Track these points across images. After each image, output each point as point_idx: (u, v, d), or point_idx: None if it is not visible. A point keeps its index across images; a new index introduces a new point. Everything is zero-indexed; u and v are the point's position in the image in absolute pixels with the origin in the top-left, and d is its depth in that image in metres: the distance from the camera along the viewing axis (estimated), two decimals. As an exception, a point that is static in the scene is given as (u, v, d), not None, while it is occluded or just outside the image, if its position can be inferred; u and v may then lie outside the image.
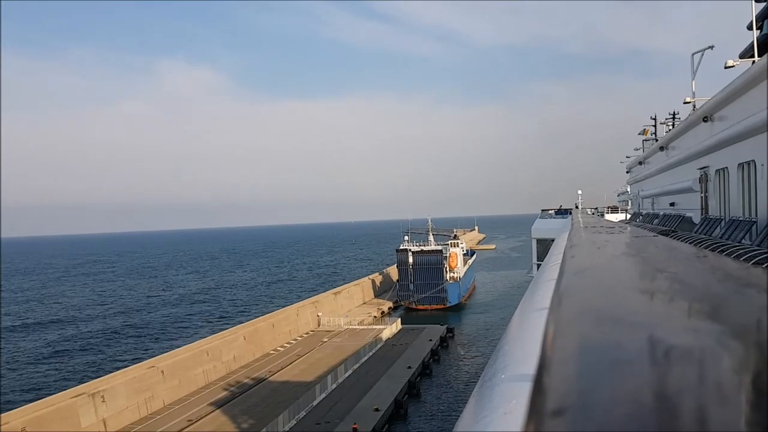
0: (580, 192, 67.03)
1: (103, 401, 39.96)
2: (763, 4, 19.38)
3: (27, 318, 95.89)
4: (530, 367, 2.22)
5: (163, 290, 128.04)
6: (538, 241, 44.91)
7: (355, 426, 38.66)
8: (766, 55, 12.54)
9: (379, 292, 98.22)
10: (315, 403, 43.46)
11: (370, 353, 57.66)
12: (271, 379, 51.44)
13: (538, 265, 35.79)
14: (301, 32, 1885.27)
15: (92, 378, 47.36)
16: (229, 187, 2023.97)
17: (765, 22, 19.42)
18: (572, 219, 30.96)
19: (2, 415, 35.79)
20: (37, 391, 51.61)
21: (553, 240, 20.75)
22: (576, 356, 2.14)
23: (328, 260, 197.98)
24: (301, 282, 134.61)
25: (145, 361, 48.00)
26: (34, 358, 67.86)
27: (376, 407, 42.20)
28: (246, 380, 50.94)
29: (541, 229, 46.47)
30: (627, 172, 53.66)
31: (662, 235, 16.08)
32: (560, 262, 6.78)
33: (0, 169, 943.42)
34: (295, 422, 39.78)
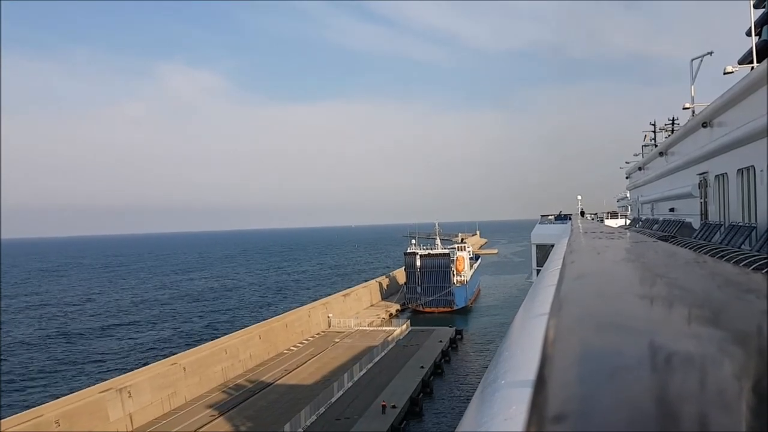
0: (579, 197, 67.35)
1: (129, 396, 41.26)
2: (762, 10, 19.33)
3: (53, 316, 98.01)
4: (530, 372, 2.22)
5: (170, 290, 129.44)
6: (538, 246, 44.36)
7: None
8: (764, 61, 12.59)
9: (386, 295, 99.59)
10: (333, 400, 44.75)
11: (383, 353, 58.94)
12: (287, 377, 52.74)
13: (538, 271, 35.49)
14: (301, 35, 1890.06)
15: (117, 373, 48.75)
16: (228, 190, 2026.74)
17: (764, 28, 19.35)
18: (572, 224, 31.33)
19: (36, 408, 37.18)
20: (67, 385, 53.44)
21: (552, 245, 20.61)
22: (576, 362, 2.15)
23: (333, 263, 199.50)
24: (308, 284, 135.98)
25: (168, 358, 49.36)
26: (62, 353, 69.68)
27: (393, 404, 43.49)
28: (263, 378, 52.24)
29: (541, 234, 45.89)
30: (626, 178, 53.94)
31: (662, 240, 15.90)
32: (560, 267, 6.79)
33: (0, 171, 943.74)
34: (316, 417, 41.10)
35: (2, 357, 67.43)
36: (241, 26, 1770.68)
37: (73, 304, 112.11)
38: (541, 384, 1.83)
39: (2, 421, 35.06)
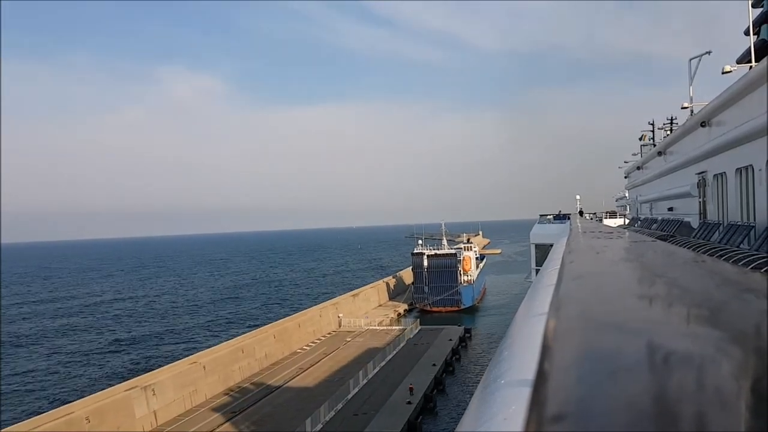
0: (578, 197, 67.53)
1: (153, 394, 42.58)
2: (760, 10, 19.37)
3: (76, 318, 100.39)
4: (529, 372, 2.24)
5: (178, 292, 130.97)
6: (537, 246, 44.68)
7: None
8: (763, 60, 12.58)
9: (394, 295, 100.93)
10: (349, 396, 46.04)
11: (395, 351, 60.27)
12: (302, 375, 54.04)
13: (537, 270, 35.40)
14: (301, 38, 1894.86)
15: (140, 372, 50.21)
16: (229, 192, 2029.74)
17: (762, 27, 19.34)
18: (571, 224, 31.04)
19: (67, 405, 38.51)
20: (94, 383, 55.49)
21: (551, 245, 20.36)
22: (575, 362, 2.14)
23: (338, 264, 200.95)
24: (316, 285, 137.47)
25: (188, 357, 50.67)
26: (87, 353, 71.77)
27: (408, 401, 44.80)
28: (279, 376, 53.56)
29: (540, 234, 46.33)
30: (625, 177, 54.11)
31: (661, 240, 15.87)
32: (559, 267, 6.77)
33: (0, 175, 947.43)
34: (334, 413, 42.41)
35: (28, 357, 69.71)
36: (241, 30, 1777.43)
37: (92, 306, 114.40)
38: (540, 384, 1.84)
39: (36, 417, 36.45)
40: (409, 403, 44.43)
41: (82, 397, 42.09)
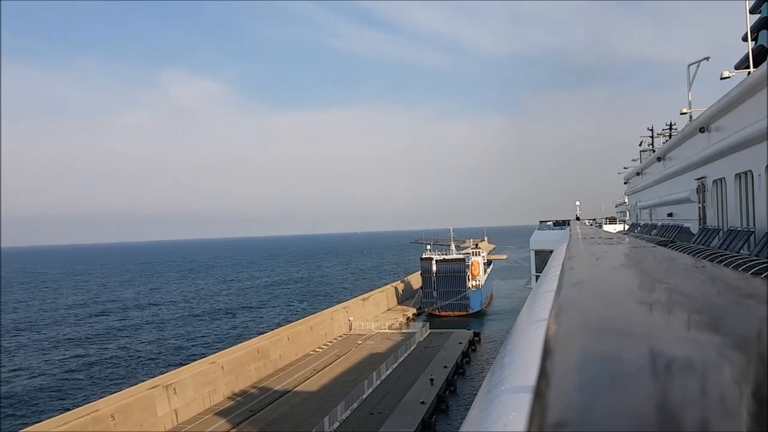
0: (578, 203, 67.75)
1: (174, 393, 43.77)
2: (757, 15, 19.47)
3: (99, 319, 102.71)
4: (530, 379, 2.23)
5: (190, 296, 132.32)
6: (537, 252, 45.54)
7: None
8: (761, 66, 12.60)
9: (402, 299, 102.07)
10: (364, 396, 47.13)
11: (406, 354, 61.36)
12: (317, 376, 55.15)
13: (537, 277, 35.93)
14: (304, 42, 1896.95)
15: (160, 371, 51.44)
16: (232, 197, 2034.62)
17: (760, 33, 19.34)
18: (570, 230, 30.90)
19: (93, 403, 39.76)
20: (116, 381, 57.19)
21: (551, 251, 20.30)
22: (575, 368, 2.13)
23: (346, 268, 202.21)
24: (326, 289, 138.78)
25: (206, 357, 51.92)
26: (108, 352, 73.72)
27: (422, 400, 45.87)
28: (294, 377, 54.70)
29: (540, 240, 47.32)
30: (625, 183, 54.26)
31: (660, 245, 15.83)
32: (559, 273, 6.77)
33: (0, 179, 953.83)
34: (350, 413, 43.52)
35: (51, 357, 71.30)
36: (245, 34, 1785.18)
37: (112, 308, 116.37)
38: (540, 390, 1.82)
39: (63, 414, 37.69)
40: (423, 403, 45.49)
41: (107, 395, 43.29)
